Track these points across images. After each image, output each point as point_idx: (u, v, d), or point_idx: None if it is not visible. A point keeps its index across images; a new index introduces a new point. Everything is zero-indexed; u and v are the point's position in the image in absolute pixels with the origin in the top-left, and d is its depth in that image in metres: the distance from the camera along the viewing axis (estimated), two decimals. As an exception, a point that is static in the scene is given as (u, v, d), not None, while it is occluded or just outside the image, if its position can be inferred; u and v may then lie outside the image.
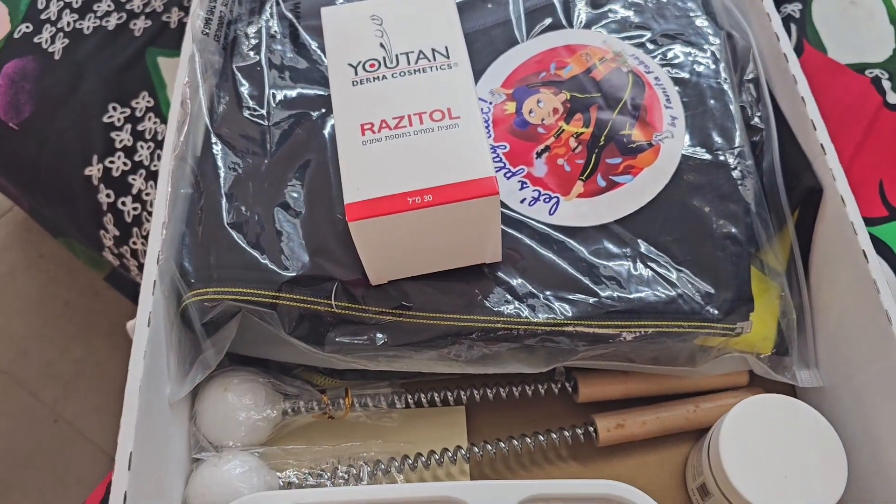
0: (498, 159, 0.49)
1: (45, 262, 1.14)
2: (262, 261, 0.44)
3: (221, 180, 0.46)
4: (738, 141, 0.49)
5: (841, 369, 0.48)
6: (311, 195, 0.47)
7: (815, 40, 0.68)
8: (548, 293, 0.45)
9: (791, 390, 0.51)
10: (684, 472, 0.50)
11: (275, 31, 0.53)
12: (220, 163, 0.47)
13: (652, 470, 0.50)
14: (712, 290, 0.46)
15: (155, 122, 0.65)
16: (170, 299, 0.44)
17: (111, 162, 0.64)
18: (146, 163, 0.64)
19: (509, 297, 0.45)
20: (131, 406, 0.39)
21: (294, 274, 0.43)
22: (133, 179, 0.63)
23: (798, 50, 0.68)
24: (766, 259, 0.50)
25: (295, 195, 0.46)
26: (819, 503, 0.42)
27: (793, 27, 0.69)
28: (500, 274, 0.45)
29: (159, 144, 0.64)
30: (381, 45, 0.44)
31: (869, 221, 0.59)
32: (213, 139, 0.47)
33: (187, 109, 0.48)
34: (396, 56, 0.43)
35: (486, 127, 0.50)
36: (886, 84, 0.65)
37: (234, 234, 0.44)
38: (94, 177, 0.64)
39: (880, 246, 0.58)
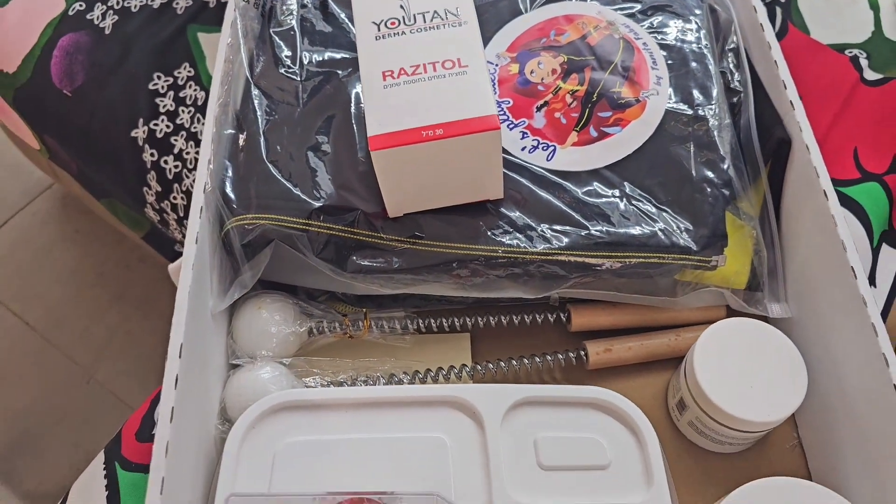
0: (502, 113, 0.55)
1: (81, 236, 1.21)
2: (295, 192, 0.50)
3: (260, 122, 0.53)
4: (716, 98, 0.55)
5: (806, 300, 0.53)
6: (337, 142, 0.53)
7: (799, 23, 0.74)
8: (544, 226, 0.51)
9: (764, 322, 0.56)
10: (666, 395, 0.55)
11: (307, 1, 0.60)
12: (258, 108, 0.53)
13: (636, 392, 0.55)
14: (691, 227, 0.52)
15: (195, 90, 0.71)
16: (214, 225, 0.51)
17: (155, 125, 0.71)
18: (187, 125, 0.70)
19: (509, 228, 0.51)
20: (181, 308, 0.46)
21: (322, 203, 0.50)
22: (175, 140, 0.70)
23: (782, 31, 0.74)
24: (741, 206, 0.55)
25: (322, 141, 0.53)
26: (781, 409, 0.48)
27: (778, 10, 0.75)
28: (501, 209, 0.52)
29: (199, 109, 0.70)
30: (401, 7, 0.50)
31: (843, 183, 0.65)
32: (253, 89, 0.54)
33: (230, 66, 0.55)
34: (414, 15, 0.50)
35: (493, 85, 0.56)
36: (864, 62, 0.71)
37: (271, 167, 0.51)
38: (139, 138, 0.71)
39: (852, 204, 0.64)
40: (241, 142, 0.52)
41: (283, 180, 0.50)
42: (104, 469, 0.54)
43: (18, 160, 1.12)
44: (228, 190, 0.50)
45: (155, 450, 0.41)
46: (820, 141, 0.57)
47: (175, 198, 0.71)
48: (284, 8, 0.58)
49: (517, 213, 0.51)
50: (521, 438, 0.47)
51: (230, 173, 0.51)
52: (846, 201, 0.63)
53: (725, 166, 0.53)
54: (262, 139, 0.52)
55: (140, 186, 0.73)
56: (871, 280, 0.63)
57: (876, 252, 0.63)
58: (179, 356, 0.44)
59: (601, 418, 0.48)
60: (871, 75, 0.70)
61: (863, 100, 0.69)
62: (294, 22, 0.58)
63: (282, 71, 0.56)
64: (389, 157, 0.45)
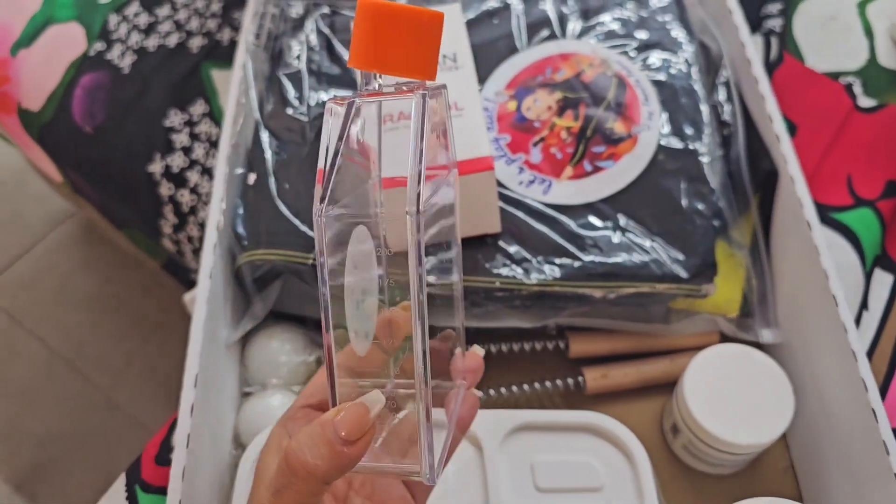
0: (500, 149, 0.57)
1: (102, 263, 1.25)
2: (302, 228, 0.53)
3: (269, 162, 0.55)
4: (706, 132, 0.57)
5: (795, 326, 0.55)
6: (343, 178, 0.56)
7: (794, 51, 0.76)
8: (539, 258, 0.53)
9: (756, 347, 0.58)
10: (661, 419, 0.57)
11: (313, 44, 0.63)
12: (267, 148, 0.56)
13: (633, 417, 0.57)
14: (681, 257, 0.54)
15: (209, 125, 0.74)
16: (226, 259, 0.53)
17: (171, 160, 0.74)
18: (201, 160, 0.73)
19: (507, 261, 0.53)
20: (196, 339, 0.48)
21: (328, 239, 0.52)
22: (189, 174, 0.73)
23: (778, 60, 0.76)
24: (733, 235, 0.57)
25: (329, 178, 0.56)
26: (767, 433, 0.50)
27: (774, 40, 0.77)
28: (500, 243, 0.54)
29: (213, 144, 0.74)
30: (402, 52, 0.53)
31: (837, 209, 0.66)
32: (263, 129, 0.57)
33: (241, 107, 0.58)
34: (414, 60, 0.52)
35: (490, 121, 0.59)
36: (858, 90, 0.73)
37: (280, 204, 0.53)
38: (156, 173, 0.74)
39: (846, 231, 0.66)
40: (251, 181, 0.55)
41: (290, 217, 0.53)
42: (125, 491, 0.57)
43: (42, 190, 1.16)
44: (240, 228, 0.53)
45: (172, 474, 0.44)
46: (814, 168, 0.59)
47: (190, 230, 0.74)
48: (291, 52, 0.61)
49: (514, 247, 0.53)
50: (519, 462, 0.49)
51: (241, 211, 0.54)
52: (839, 227, 0.65)
53: (715, 198, 0.55)
54: (270, 178, 0.55)
55: (157, 219, 0.76)
56: (864, 303, 0.64)
57: (869, 276, 0.65)
58: (195, 385, 0.47)
59: (595, 442, 0.50)
60: (865, 102, 0.72)
61: (857, 127, 0.71)
62: (301, 64, 0.61)
63: (289, 111, 0.59)
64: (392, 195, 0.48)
